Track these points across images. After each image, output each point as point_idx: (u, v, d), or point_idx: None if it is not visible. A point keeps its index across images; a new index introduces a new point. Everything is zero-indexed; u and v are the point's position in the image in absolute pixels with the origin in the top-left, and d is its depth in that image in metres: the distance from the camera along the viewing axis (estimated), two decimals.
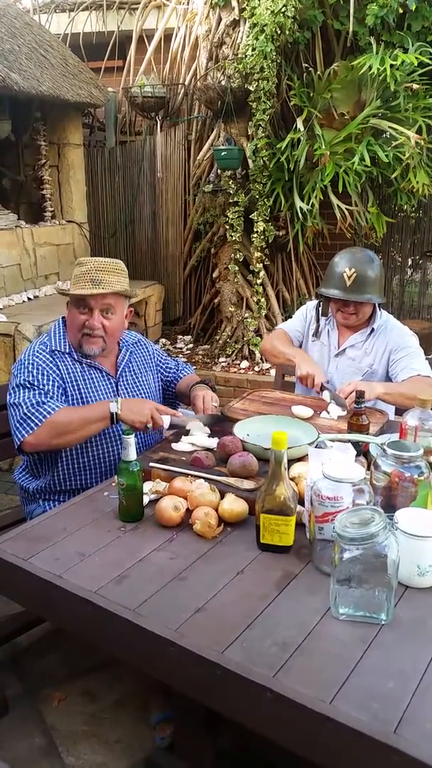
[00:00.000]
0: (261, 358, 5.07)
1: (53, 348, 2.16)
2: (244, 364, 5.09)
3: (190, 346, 5.63)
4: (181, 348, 5.58)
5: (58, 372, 2.11)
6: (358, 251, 2.64)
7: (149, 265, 5.99)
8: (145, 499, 1.80)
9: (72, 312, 2.16)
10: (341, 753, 1.14)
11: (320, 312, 2.73)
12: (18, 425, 2.01)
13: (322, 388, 2.48)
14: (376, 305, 2.64)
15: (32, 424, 1.99)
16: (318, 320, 2.74)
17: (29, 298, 4.75)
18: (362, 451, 1.93)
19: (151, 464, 1.94)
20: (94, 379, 2.18)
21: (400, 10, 4.21)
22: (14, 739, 2.05)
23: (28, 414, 2.00)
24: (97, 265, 2.12)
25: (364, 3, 4.30)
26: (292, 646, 1.29)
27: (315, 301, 2.81)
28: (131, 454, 1.73)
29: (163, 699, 2.02)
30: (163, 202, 5.82)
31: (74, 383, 2.14)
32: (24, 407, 2.01)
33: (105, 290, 2.10)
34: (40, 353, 2.13)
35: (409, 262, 5.57)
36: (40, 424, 1.98)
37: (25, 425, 2.00)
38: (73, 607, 1.46)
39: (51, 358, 2.13)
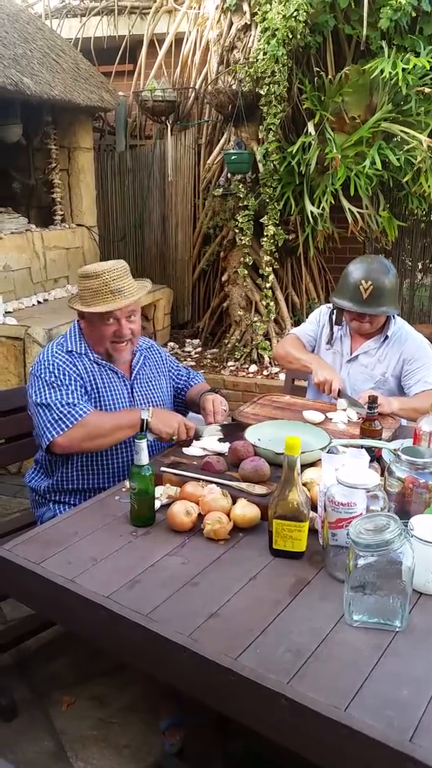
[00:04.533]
0: (270, 362, 5.06)
1: (69, 348, 2.17)
2: (253, 368, 5.08)
3: (199, 349, 5.63)
4: (189, 352, 5.58)
5: (77, 371, 2.12)
6: (373, 261, 2.59)
7: (158, 268, 5.99)
8: (157, 504, 1.79)
9: (94, 324, 2.14)
10: (356, 761, 1.13)
11: (334, 321, 2.71)
12: (49, 425, 2.01)
13: (340, 393, 2.46)
14: None
15: (64, 426, 1.99)
16: (331, 328, 2.72)
17: (39, 302, 4.76)
18: (375, 456, 1.92)
19: (163, 469, 1.94)
20: (111, 381, 2.19)
21: (413, 14, 4.20)
22: (23, 743, 2.05)
23: (60, 415, 2.00)
24: (111, 274, 2.10)
25: (376, 7, 4.30)
26: (306, 653, 1.28)
27: (328, 306, 2.78)
28: (143, 458, 1.73)
29: (173, 704, 2.01)
30: (173, 206, 5.83)
31: (92, 383, 2.15)
32: (55, 408, 2.01)
33: (131, 299, 2.11)
34: (59, 354, 2.14)
35: (420, 266, 5.56)
36: (71, 426, 1.99)
37: (56, 426, 2.00)
38: (85, 611, 1.46)
39: (69, 358, 2.14)
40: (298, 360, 2.70)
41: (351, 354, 2.67)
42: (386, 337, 2.61)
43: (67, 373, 2.09)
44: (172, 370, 2.47)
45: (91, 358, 2.18)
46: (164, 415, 2.11)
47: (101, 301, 2.10)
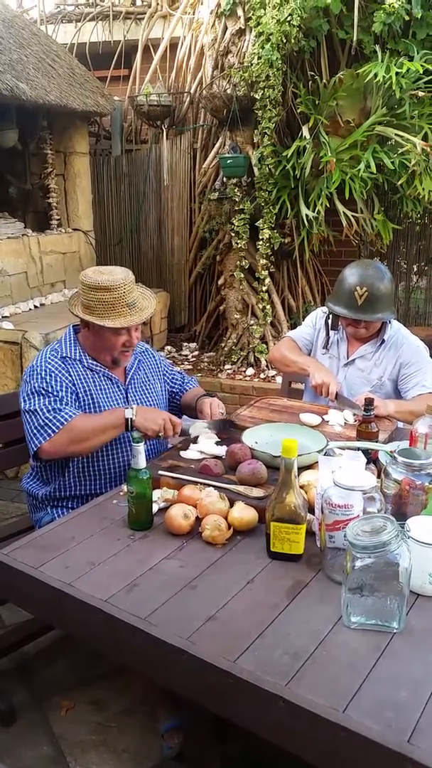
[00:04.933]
0: (267, 365, 5.07)
1: (64, 354, 2.17)
2: (250, 371, 5.09)
3: (196, 353, 5.64)
4: (186, 355, 5.58)
5: (69, 378, 2.12)
6: (368, 266, 2.59)
7: (155, 272, 6.00)
8: (155, 507, 1.79)
9: (103, 336, 2.13)
10: (354, 762, 1.13)
11: (330, 326, 2.71)
12: (35, 432, 2.02)
13: (337, 396, 2.47)
14: None
15: (49, 431, 2.00)
16: (327, 333, 2.73)
17: (36, 306, 4.77)
18: (371, 458, 1.93)
19: (160, 472, 1.94)
20: (105, 386, 2.19)
21: (406, 18, 4.23)
22: (22, 748, 2.05)
23: (46, 421, 2.01)
24: (124, 288, 2.09)
25: (369, 12, 4.32)
26: (304, 655, 1.28)
27: (324, 310, 2.78)
28: (141, 462, 1.73)
29: (171, 708, 2.01)
30: (169, 210, 5.84)
31: (86, 389, 2.15)
32: (41, 414, 2.02)
33: (147, 313, 2.14)
34: (52, 359, 2.14)
35: (415, 269, 5.57)
36: (57, 431, 1.99)
37: (42, 432, 2.00)
38: (83, 615, 1.46)
39: (62, 364, 2.14)
40: (294, 363, 2.71)
41: (347, 358, 2.68)
42: (383, 341, 2.61)
43: (58, 379, 2.09)
44: (167, 375, 2.48)
45: (85, 364, 2.18)
46: (149, 412, 2.10)
47: (118, 315, 2.09)
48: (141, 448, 1.73)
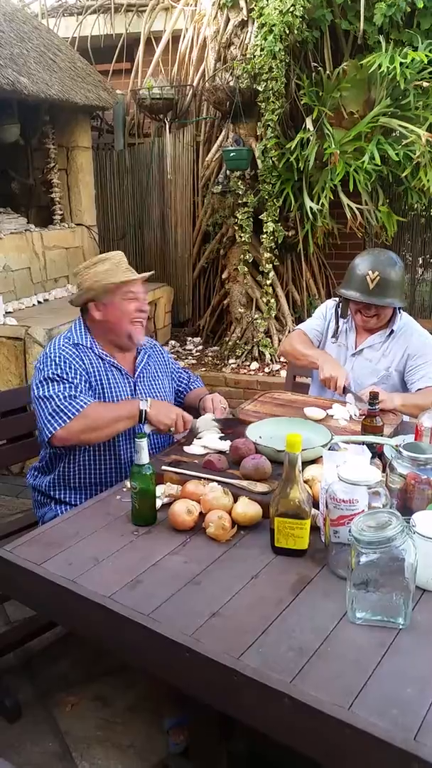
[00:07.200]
0: (271, 359, 5.05)
1: (76, 342, 2.17)
2: (254, 365, 5.07)
3: (200, 347, 5.62)
4: (190, 350, 5.57)
5: (83, 365, 2.12)
6: (380, 253, 2.58)
7: (158, 267, 5.98)
8: (158, 503, 1.78)
9: (113, 307, 2.15)
10: (360, 760, 1.12)
11: (339, 313, 2.70)
12: (50, 417, 2.01)
13: (345, 390, 2.45)
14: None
15: (65, 418, 1.99)
16: (337, 321, 2.71)
17: (39, 302, 4.76)
18: (376, 453, 1.91)
19: (164, 467, 1.93)
20: (114, 377, 2.19)
21: (408, 9, 4.18)
22: (28, 744, 2.05)
23: (61, 407, 2.00)
24: (119, 257, 2.22)
25: (372, 2, 4.28)
26: (309, 652, 1.27)
27: (334, 300, 2.77)
28: (144, 457, 1.72)
29: (176, 704, 2.01)
30: (172, 204, 5.82)
31: (97, 377, 2.14)
32: (56, 400, 2.01)
33: (145, 275, 2.20)
34: (66, 347, 2.14)
35: (420, 261, 5.54)
36: (72, 418, 1.99)
37: (57, 418, 2.00)
38: (87, 612, 1.45)
39: (76, 351, 2.14)
40: (304, 356, 2.69)
41: (356, 348, 2.66)
42: (392, 332, 2.60)
43: (72, 366, 2.09)
44: (174, 372, 2.48)
45: (96, 352, 2.17)
46: (163, 406, 2.11)
47: (123, 275, 2.15)
48: (144, 443, 1.72)
